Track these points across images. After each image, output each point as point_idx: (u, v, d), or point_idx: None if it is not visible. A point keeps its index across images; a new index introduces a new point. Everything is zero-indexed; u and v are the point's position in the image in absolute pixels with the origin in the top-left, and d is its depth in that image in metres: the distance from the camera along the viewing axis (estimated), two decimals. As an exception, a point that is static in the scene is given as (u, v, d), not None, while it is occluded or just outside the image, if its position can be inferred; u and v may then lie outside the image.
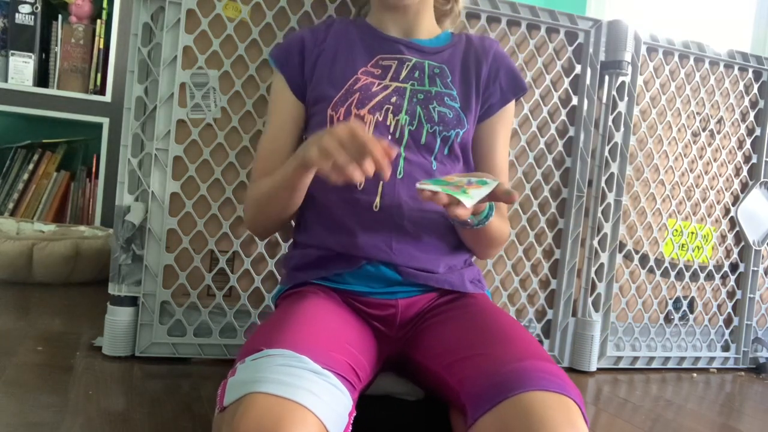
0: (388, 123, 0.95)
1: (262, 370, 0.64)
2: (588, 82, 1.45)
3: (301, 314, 0.80)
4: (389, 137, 0.94)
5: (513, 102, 1.04)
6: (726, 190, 1.65)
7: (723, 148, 1.63)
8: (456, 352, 0.81)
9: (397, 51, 1.00)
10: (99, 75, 2.28)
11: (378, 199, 0.92)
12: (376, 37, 1.01)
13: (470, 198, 0.76)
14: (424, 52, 1.01)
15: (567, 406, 0.66)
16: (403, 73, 0.98)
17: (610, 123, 1.48)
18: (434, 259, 0.95)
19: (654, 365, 1.59)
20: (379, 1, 1.01)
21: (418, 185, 0.78)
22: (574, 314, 1.50)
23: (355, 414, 0.70)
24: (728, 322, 1.68)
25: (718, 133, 1.62)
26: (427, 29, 1.03)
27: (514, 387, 0.67)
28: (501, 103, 1.02)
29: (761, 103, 1.66)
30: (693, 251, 1.62)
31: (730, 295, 1.68)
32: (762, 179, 1.67)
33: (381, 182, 0.92)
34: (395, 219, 0.92)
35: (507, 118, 1.05)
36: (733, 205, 1.66)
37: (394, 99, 0.96)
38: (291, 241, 1.08)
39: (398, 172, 0.93)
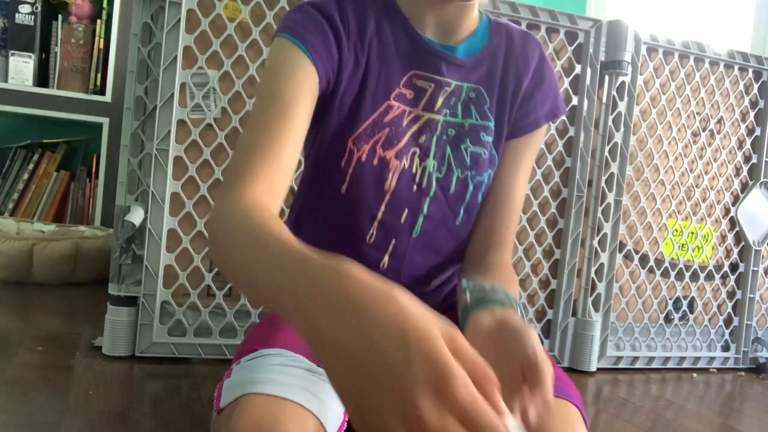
0: (414, 171, 0.80)
1: (258, 371, 0.64)
2: (588, 82, 1.45)
3: None
4: (414, 187, 0.80)
5: (544, 127, 0.88)
6: (726, 190, 1.65)
7: (723, 148, 1.63)
8: None
9: (436, 70, 0.80)
10: (99, 75, 2.28)
11: (387, 257, 0.83)
12: (412, 40, 0.80)
13: None
14: (463, 68, 0.82)
15: (567, 411, 0.66)
16: (440, 101, 0.81)
17: (610, 123, 1.48)
18: (436, 297, 0.93)
19: (654, 365, 1.59)
20: None
21: None
22: (574, 314, 1.50)
23: None
24: (728, 322, 1.68)
25: (718, 133, 1.62)
26: (468, 21, 0.82)
27: None
28: (533, 125, 0.86)
29: (761, 103, 1.66)
30: (693, 251, 1.62)
31: (730, 295, 1.68)
32: (762, 179, 1.67)
33: (393, 240, 0.82)
34: (402, 279, 0.85)
35: (535, 143, 0.88)
36: (733, 205, 1.66)
37: (422, 139, 0.80)
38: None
39: (414, 231, 0.82)
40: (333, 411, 0.64)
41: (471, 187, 0.83)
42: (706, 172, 1.62)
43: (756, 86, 1.65)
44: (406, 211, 0.81)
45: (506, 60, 0.84)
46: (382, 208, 0.81)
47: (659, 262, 1.59)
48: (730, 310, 1.68)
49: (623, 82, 1.48)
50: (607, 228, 1.49)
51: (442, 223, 0.84)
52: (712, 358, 1.66)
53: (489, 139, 0.84)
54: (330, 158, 0.79)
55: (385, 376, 0.34)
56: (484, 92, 0.83)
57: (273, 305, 0.47)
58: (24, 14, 2.20)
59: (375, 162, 0.79)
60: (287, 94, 0.69)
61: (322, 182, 0.80)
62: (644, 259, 1.57)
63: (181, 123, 1.22)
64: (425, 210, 0.82)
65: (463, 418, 0.33)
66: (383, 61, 0.79)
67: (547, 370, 0.52)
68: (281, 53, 0.72)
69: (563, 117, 1.32)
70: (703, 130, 1.61)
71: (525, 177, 0.88)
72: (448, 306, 0.93)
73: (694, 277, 1.63)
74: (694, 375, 1.57)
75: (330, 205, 0.81)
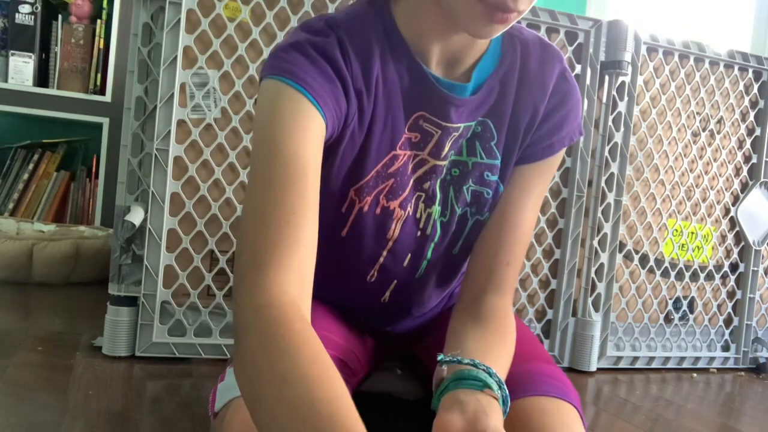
0: (417, 216, 0.77)
1: None
2: (588, 82, 1.45)
3: None
4: (418, 233, 0.78)
5: (559, 152, 0.79)
6: (726, 190, 1.65)
7: (723, 148, 1.63)
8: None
9: (444, 115, 0.72)
10: (99, 75, 2.28)
11: (388, 294, 0.83)
12: (418, 79, 0.71)
13: None
14: (471, 105, 0.74)
15: (565, 412, 0.66)
16: (447, 147, 0.74)
17: (610, 123, 1.48)
18: (435, 311, 0.92)
19: (654, 365, 1.59)
20: (466, 26, 0.64)
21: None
22: (574, 314, 1.50)
23: None
24: (728, 322, 1.68)
25: (718, 133, 1.62)
26: (477, 46, 0.73)
27: (514, 391, 0.67)
28: (547, 152, 0.78)
29: (761, 103, 1.66)
30: (693, 251, 1.62)
31: (730, 295, 1.68)
32: (762, 179, 1.67)
33: (395, 281, 0.81)
34: (402, 311, 0.86)
35: (549, 170, 0.79)
36: (733, 205, 1.66)
37: (427, 185, 0.76)
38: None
39: (418, 273, 0.81)
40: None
41: (470, 223, 0.79)
42: (706, 172, 1.62)
43: (756, 86, 1.65)
44: (408, 256, 0.80)
45: (520, 83, 0.75)
46: (384, 254, 0.79)
47: (659, 262, 1.59)
48: (730, 310, 1.68)
49: (623, 82, 1.48)
50: (607, 228, 1.49)
51: (442, 257, 0.82)
52: (712, 358, 1.66)
53: (494, 178, 0.77)
54: (330, 203, 0.73)
55: None
56: (491, 126, 0.75)
57: None
58: (24, 14, 2.20)
59: (378, 212, 0.74)
60: (299, 154, 0.59)
61: (322, 223, 0.67)
62: (644, 259, 1.57)
63: (181, 123, 1.22)
64: (429, 255, 0.80)
65: None
66: (389, 105, 0.71)
67: None
68: (283, 102, 0.62)
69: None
70: (703, 130, 1.61)
71: (534, 208, 0.78)
72: (443, 314, 0.93)
73: (694, 277, 1.63)
74: (694, 375, 1.57)
75: (330, 245, 0.76)
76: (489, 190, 0.77)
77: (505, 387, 0.61)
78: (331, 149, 0.69)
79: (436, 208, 0.77)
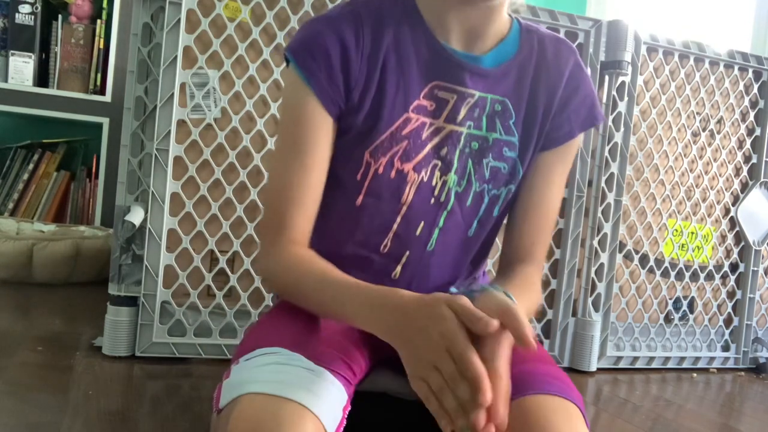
0: (433, 183, 0.79)
1: (256, 370, 0.64)
2: (588, 82, 1.45)
3: (294, 311, 0.80)
4: (432, 200, 0.80)
5: (579, 136, 0.84)
6: (726, 190, 1.65)
7: (723, 148, 1.63)
8: None
9: (460, 80, 0.77)
10: (99, 75, 2.28)
11: (399, 267, 0.83)
12: (433, 50, 0.77)
13: None
14: (489, 78, 0.79)
15: (568, 410, 0.66)
16: (462, 113, 0.78)
17: (610, 123, 1.48)
18: None
19: (654, 365, 1.59)
20: None
21: None
22: (574, 314, 1.50)
23: (349, 409, 0.70)
24: (728, 322, 1.68)
25: (718, 133, 1.62)
26: (497, 26, 0.79)
27: (516, 390, 0.67)
28: (566, 137, 0.82)
29: (761, 103, 1.66)
30: (693, 251, 1.62)
31: (730, 295, 1.68)
32: (762, 179, 1.67)
33: (407, 252, 0.82)
34: (411, 288, 0.83)
35: (569, 154, 0.85)
36: (733, 205, 1.66)
37: (444, 151, 0.79)
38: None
39: (429, 244, 0.82)
40: (332, 409, 0.64)
41: (486, 201, 0.82)
42: (706, 172, 1.62)
43: (756, 86, 1.65)
44: (422, 224, 0.81)
45: (537, 70, 0.80)
46: (398, 219, 0.80)
47: (659, 262, 1.59)
48: (730, 310, 1.68)
49: (623, 82, 1.48)
50: (607, 228, 1.49)
51: (456, 235, 0.83)
52: (712, 358, 1.66)
53: (512, 154, 0.81)
54: (346, 171, 0.79)
55: (423, 343, 0.58)
56: (510, 105, 0.80)
57: (347, 321, 0.70)
58: (24, 14, 2.20)
59: (392, 175, 0.78)
60: (305, 141, 0.75)
61: (336, 194, 0.79)
62: (644, 259, 1.57)
63: (181, 123, 1.22)
64: (441, 223, 0.81)
65: (458, 366, 0.55)
66: (401, 73, 0.76)
67: (519, 311, 0.58)
68: (295, 93, 0.75)
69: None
70: (703, 130, 1.61)
71: (558, 190, 0.85)
72: None
73: (694, 277, 1.63)
74: (694, 375, 1.57)
75: (344, 216, 0.81)
76: (506, 165, 0.81)
77: None
78: (346, 117, 0.77)
79: (452, 176, 0.79)
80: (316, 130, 0.75)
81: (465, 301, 0.57)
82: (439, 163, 0.79)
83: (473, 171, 0.80)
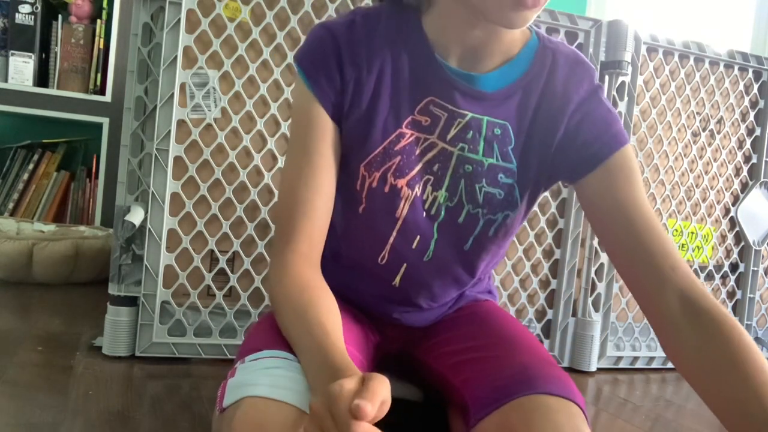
0: (424, 198, 0.79)
1: (261, 373, 0.64)
2: (588, 82, 1.45)
3: None
4: (423, 214, 0.80)
5: (622, 152, 0.75)
6: (726, 190, 1.65)
7: (723, 148, 1.63)
8: (461, 353, 0.81)
9: (449, 99, 0.76)
10: (99, 75, 2.28)
11: (398, 278, 0.84)
12: (429, 66, 0.76)
13: None
14: (485, 101, 0.76)
15: (570, 410, 0.66)
16: (452, 133, 0.77)
17: (610, 123, 1.48)
18: (443, 309, 0.92)
19: (654, 365, 1.59)
20: (497, 18, 0.67)
21: None
22: (574, 314, 1.50)
23: None
24: (728, 322, 1.68)
25: (718, 133, 1.62)
26: (504, 45, 0.76)
27: (518, 390, 0.67)
28: (597, 158, 0.75)
29: (761, 103, 1.66)
30: (693, 251, 1.62)
31: (730, 295, 1.68)
32: (762, 179, 1.67)
33: (405, 264, 0.82)
34: (411, 297, 0.86)
35: (622, 164, 0.75)
36: (733, 205, 1.66)
37: (436, 167, 0.78)
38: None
39: (426, 256, 0.82)
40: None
41: (481, 223, 0.81)
42: (706, 172, 1.62)
43: (756, 86, 1.65)
44: (417, 238, 0.81)
45: (542, 93, 0.77)
46: (394, 234, 0.80)
47: (659, 262, 1.59)
48: (730, 310, 1.68)
49: (623, 82, 1.48)
50: (607, 228, 1.49)
51: (452, 247, 0.82)
52: (712, 358, 1.65)
53: (509, 181, 0.79)
54: (348, 179, 0.79)
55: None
56: (510, 130, 0.77)
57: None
58: (24, 14, 2.20)
59: (386, 189, 0.78)
60: (312, 148, 0.75)
61: (343, 200, 0.81)
62: (644, 259, 1.57)
63: (181, 123, 1.22)
64: (435, 235, 0.81)
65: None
66: (395, 89, 0.76)
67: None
68: (301, 100, 0.77)
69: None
70: (703, 130, 1.61)
71: (640, 194, 0.74)
72: (455, 311, 0.93)
73: (694, 277, 1.63)
74: (694, 375, 1.57)
75: (349, 222, 0.82)
76: (501, 192, 0.79)
77: None
78: (340, 123, 0.77)
79: (443, 193, 0.79)
80: (321, 133, 0.76)
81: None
82: (431, 179, 0.79)
83: (464, 192, 0.79)
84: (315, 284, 0.71)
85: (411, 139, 0.77)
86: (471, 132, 0.77)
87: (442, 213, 0.80)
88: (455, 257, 0.83)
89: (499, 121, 0.77)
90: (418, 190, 0.78)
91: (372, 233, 0.81)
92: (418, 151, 0.77)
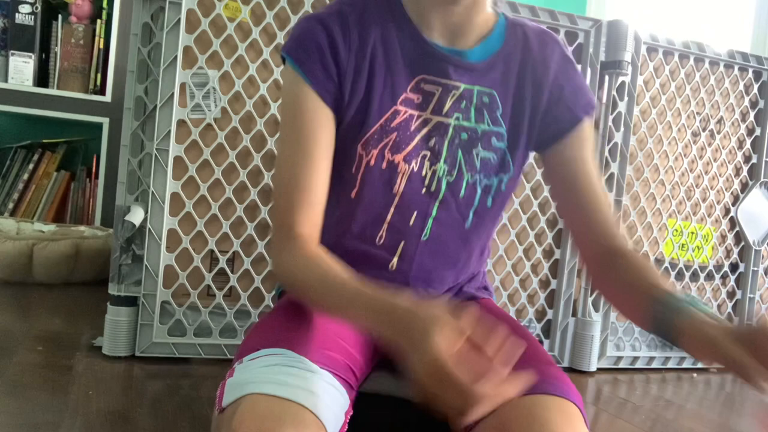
0: (423, 174, 0.81)
1: (260, 371, 0.64)
2: (588, 82, 1.45)
3: (298, 313, 0.80)
4: (423, 190, 0.82)
5: (587, 122, 0.85)
6: (726, 190, 1.65)
7: (723, 148, 1.63)
8: None
9: (443, 73, 0.80)
10: (99, 75, 2.28)
11: (395, 259, 0.84)
12: (418, 46, 0.80)
13: None
14: (474, 72, 0.81)
15: (568, 410, 0.66)
16: (447, 105, 0.81)
17: (610, 123, 1.48)
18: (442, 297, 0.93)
19: (654, 365, 1.59)
20: None
21: None
22: (574, 314, 1.50)
23: (351, 413, 0.70)
24: (728, 322, 1.68)
25: (718, 133, 1.62)
26: (480, 22, 0.82)
27: None
28: (571, 123, 0.84)
29: (761, 103, 1.66)
30: (693, 251, 1.62)
31: (730, 295, 1.68)
32: (762, 179, 1.67)
33: (402, 242, 0.83)
34: (409, 281, 0.86)
35: (585, 136, 0.86)
36: (733, 205, 1.66)
37: (432, 142, 0.81)
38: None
39: (424, 234, 0.83)
40: (334, 412, 0.64)
41: (479, 191, 0.84)
42: (706, 172, 1.62)
43: (756, 86, 1.65)
44: (414, 214, 0.82)
45: (523, 63, 0.83)
46: (391, 210, 0.82)
47: (659, 262, 1.59)
48: (730, 310, 1.68)
49: (623, 82, 1.48)
50: (607, 228, 1.49)
51: (452, 227, 0.84)
52: (712, 358, 1.65)
53: (501, 145, 0.84)
54: (342, 165, 0.81)
55: (418, 358, 0.55)
56: (497, 97, 0.83)
57: (349, 323, 0.72)
58: (24, 14, 2.20)
59: (383, 166, 0.80)
60: (307, 133, 0.77)
61: (335, 187, 0.81)
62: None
63: (181, 123, 1.22)
64: (434, 213, 0.83)
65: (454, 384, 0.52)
66: (388, 68, 0.80)
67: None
68: (293, 89, 0.78)
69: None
70: (703, 130, 1.61)
71: (593, 167, 0.85)
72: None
73: (694, 277, 1.63)
74: (695, 375, 1.57)
75: (342, 209, 0.83)
76: (495, 155, 0.83)
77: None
78: (339, 110, 0.79)
79: (442, 166, 0.81)
80: (316, 121, 0.77)
81: (456, 318, 0.56)
82: (428, 154, 0.81)
83: (464, 161, 0.82)
84: (326, 256, 0.74)
85: (405, 116, 0.81)
86: (464, 102, 0.82)
87: (443, 188, 0.82)
88: (455, 236, 0.85)
89: (486, 89, 0.82)
90: (415, 165, 0.81)
91: (369, 213, 0.82)
92: (413, 128, 0.81)
